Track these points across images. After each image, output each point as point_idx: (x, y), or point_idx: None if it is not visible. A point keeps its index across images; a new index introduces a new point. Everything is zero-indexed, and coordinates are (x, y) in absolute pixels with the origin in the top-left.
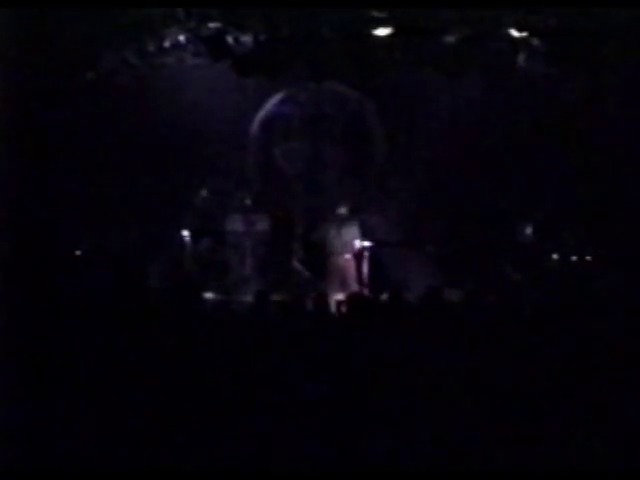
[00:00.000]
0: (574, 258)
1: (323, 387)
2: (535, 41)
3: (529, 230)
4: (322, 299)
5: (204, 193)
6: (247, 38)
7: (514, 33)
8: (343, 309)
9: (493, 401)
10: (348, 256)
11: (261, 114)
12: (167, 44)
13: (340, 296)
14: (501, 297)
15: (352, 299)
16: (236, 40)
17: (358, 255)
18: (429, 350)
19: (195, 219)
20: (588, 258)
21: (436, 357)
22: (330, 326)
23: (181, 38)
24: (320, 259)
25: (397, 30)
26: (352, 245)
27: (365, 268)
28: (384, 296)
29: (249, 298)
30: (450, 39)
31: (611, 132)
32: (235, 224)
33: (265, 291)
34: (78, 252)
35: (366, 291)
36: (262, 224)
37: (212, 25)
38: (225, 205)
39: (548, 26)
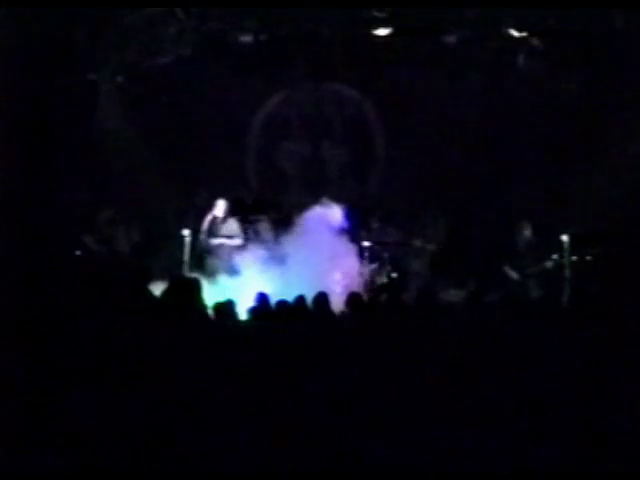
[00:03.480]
0: (574, 258)
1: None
2: (535, 41)
3: (529, 229)
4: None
5: (204, 193)
6: (247, 38)
7: (514, 33)
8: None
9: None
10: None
11: (261, 114)
12: (167, 44)
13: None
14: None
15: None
16: (236, 40)
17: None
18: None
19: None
20: (588, 258)
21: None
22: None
23: (181, 38)
24: None
25: (397, 30)
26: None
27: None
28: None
29: None
30: (450, 39)
31: (611, 132)
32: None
33: None
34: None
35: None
36: None
37: (212, 25)
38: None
39: (548, 26)
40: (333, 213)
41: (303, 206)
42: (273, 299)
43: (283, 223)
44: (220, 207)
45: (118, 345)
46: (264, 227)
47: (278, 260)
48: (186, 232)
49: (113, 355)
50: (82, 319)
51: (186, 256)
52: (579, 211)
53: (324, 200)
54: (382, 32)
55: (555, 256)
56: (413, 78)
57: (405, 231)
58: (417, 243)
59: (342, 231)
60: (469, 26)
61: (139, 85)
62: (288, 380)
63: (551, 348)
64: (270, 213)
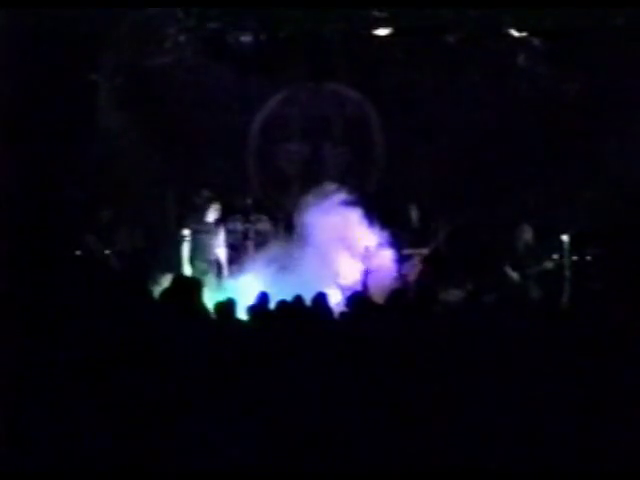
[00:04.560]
0: (574, 258)
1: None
2: (535, 41)
3: (529, 230)
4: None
5: (205, 193)
6: (247, 38)
7: (514, 33)
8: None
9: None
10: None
11: (261, 114)
12: (167, 44)
13: None
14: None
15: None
16: (236, 40)
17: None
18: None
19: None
20: (588, 258)
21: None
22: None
23: (181, 38)
24: None
25: (397, 30)
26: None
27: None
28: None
29: None
30: (450, 39)
31: (611, 132)
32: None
33: None
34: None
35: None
36: None
37: (212, 25)
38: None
39: (548, 26)
40: (335, 200)
41: (303, 206)
42: (278, 298)
43: (284, 222)
44: (213, 213)
45: (118, 345)
46: (265, 227)
47: (281, 258)
48: (186, 232)
49: (113, 355)
50: (82, 319)
51: (186, 256)
52: (579, 211)
53: (326, 185)
54: (382, 32)
55: (555, 256)
56: (413, 78)
57: (405, 231)
58: (417, 243)
59: (345, 219)
60: (469, 26)
61: (139, 85)
62: (287, 380)
63: (551, 348)
64: (271, 213)
